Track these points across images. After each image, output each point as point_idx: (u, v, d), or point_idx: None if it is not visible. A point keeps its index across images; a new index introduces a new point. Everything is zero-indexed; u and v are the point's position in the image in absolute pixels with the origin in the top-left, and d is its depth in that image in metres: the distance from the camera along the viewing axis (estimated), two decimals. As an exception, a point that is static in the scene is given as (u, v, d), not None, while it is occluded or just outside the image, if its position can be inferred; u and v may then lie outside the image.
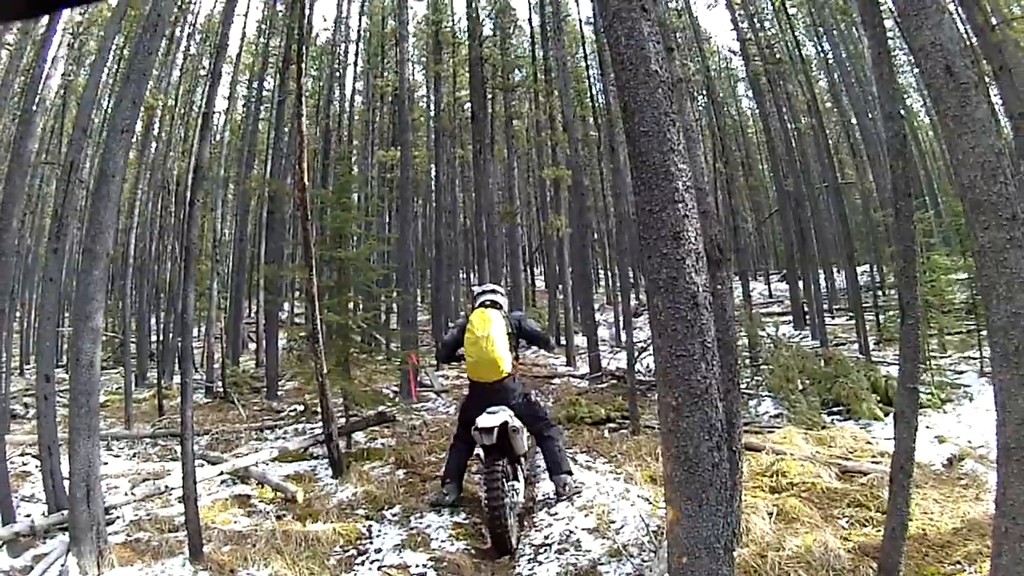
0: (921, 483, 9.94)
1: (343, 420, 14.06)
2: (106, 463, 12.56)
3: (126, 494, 11.06)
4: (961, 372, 17.01)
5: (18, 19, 1.84)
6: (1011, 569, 4.02)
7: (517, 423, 10.04)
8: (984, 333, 14.62)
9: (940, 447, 11.92)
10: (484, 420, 9.72)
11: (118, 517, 10.30)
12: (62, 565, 8.38)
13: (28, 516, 9.69)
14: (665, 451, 4.30)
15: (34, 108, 12.77)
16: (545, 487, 11.04)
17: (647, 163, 4.26)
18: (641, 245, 4.35)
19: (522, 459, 10.56)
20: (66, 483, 9.03)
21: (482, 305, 10.85)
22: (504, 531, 9.14)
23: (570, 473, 10.68)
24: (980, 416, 13.09)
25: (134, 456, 14.20)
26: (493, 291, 11.22)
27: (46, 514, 9.70)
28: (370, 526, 10.18)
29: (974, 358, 17.49)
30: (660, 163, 4.23)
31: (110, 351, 29.13)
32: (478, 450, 10.45)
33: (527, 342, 11.49)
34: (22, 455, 13.46)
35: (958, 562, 7.82)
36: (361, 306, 17.53)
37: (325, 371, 12.17)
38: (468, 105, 27.33)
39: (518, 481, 10.17)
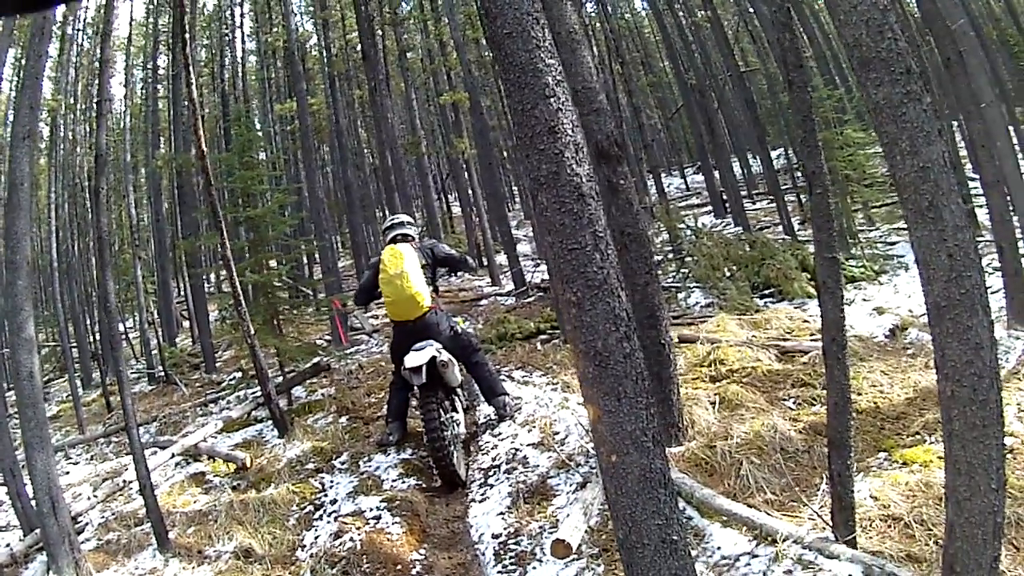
0: (865, 356, 10.06)
1: (280, 378, 14.02)
2: (67, 472, 12.56)
3: (89, 498, 11.05)
4: (893, 243, 17.26)
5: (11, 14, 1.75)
6: (965, 434, 3.90)
7: (446, 356, 9.83)
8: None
9: (880, 319, 12.03)
10: (411, 359, 9.50)
11: (87, 523, 10.25)
12: None
13: (7, 545, 9.60)
14: (575, 349, 4.23)
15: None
16: (486, 409, 11.07)
17: (514, 63, 4.17)
18: (518, 144, 4.30)
19: (458, 390, 10.50)
20: (34, 502, 8.87)
21: (392, 240, 10.67)
22: (450, 466, 9.19)
23: (506, 394, 10.68)
24: (917, 285, 12.95)
25: (91, 459, 14.05)
26: (401, 223, 11.07)
27: (22, 538, 9.64)
28: (322, 479, 10.21)
29: (903, 229, 17.34)
30: (527, 61, 4.14)
31: (54, 360, 28.82)
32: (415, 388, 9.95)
33: (447, 268, 11.38)
34: (-11, 486, 13.24)
35: (917, 433, 7.89)
36: (283, 261, 17.41)
37: (252, 332, 12.07)
38: (360, 46, 27.14)
39: (456, 412, 10.11)
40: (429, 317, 10.15)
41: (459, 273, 12.81)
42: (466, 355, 10.55)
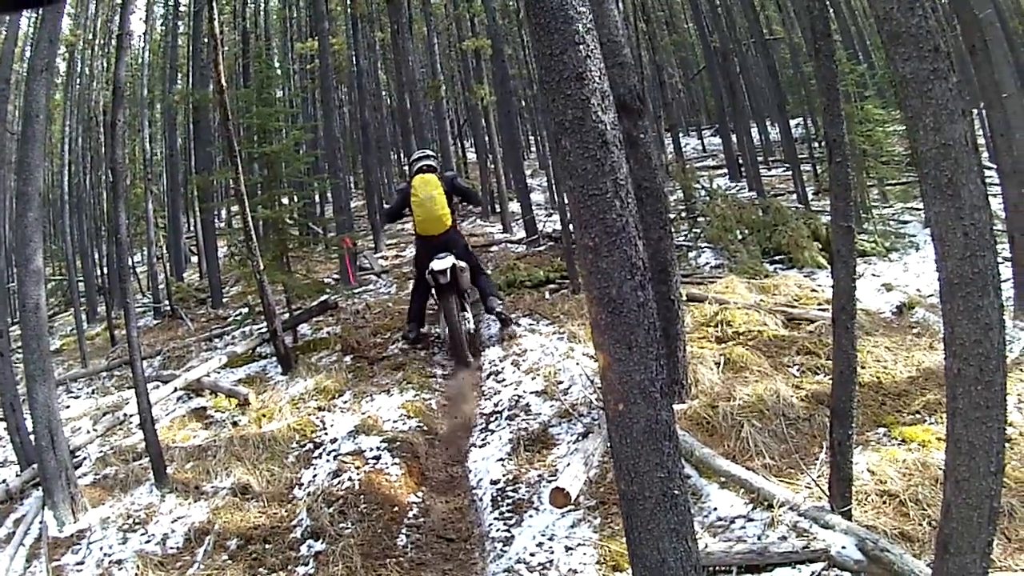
0: (871, 331, 10.04)
1: (286, 315, 14.08)
2: (68, 406, 12.48)
3: (88, 432, 11.09)
4: (905, 222, 17.18)
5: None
6: (968, 414, 3.85)
7: (462, 263, 11.99)
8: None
9: (888, 295, 12.05)
10: (437, 264, 11.62)
11: (85, 457, 10.31)
12: (40, 522, 8.43)
13: (3, 481, 9.59)
14: (588, 295, 4.21)
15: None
16: (491, 354, 11.59)
17: (544, 8, 4.11)
18: (544, 89, 4.27)
19: (466, 294, 12.55)
20: (33, 437, 8.95)
21: (420, 171, 12.41)
22: (463, 347, 11.74)
23: (499, 297, 12.91)
24: (927, 265, 13.10)
25: (93, 393, 13.95)
26: (427, 157, 12.91)
27: (19, 473, 9.65)
28: (323, 417, 10.29)
29: (917, 209, 17.49)
30: (558, 7, 4.08)
31: (60, 295, 28.82)
32: (433, 303, 12.80)
33: (461, 198, 13.15)
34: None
35: (917, 412, 7.92)
36: (296, 198, 17.43)
37: (262, 267, 12.20)
38: (384, -12, 27.06)
39: (466, 311, 12.45)
40: (450, 234, 12.23)
41: (467, 205, 15.09)
42: (472, 266, 12.56)
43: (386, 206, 15.00)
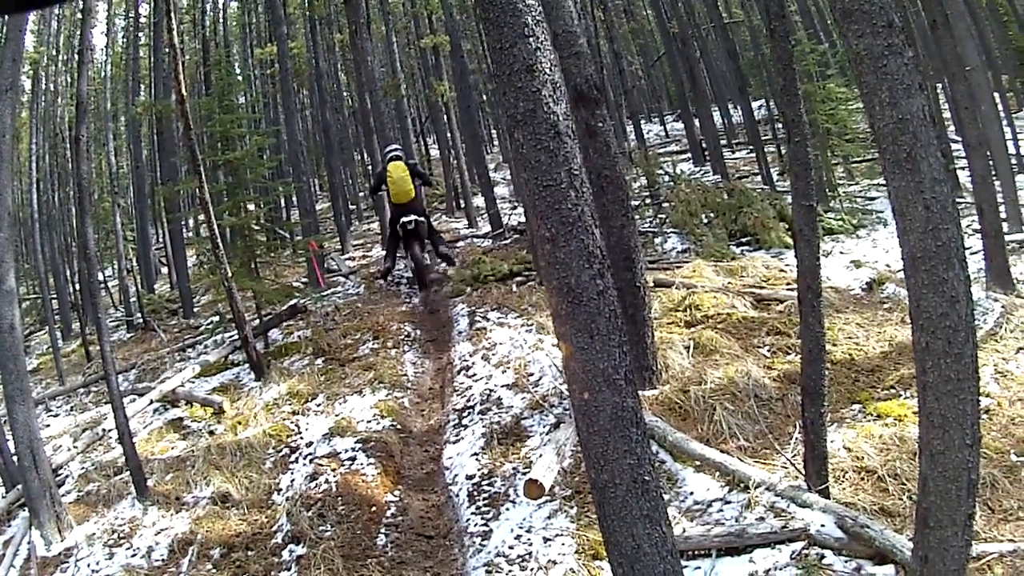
0: (841, 308, 10.08)
1: (256, 321, 14.18)
2: (47, 425, 12.51)
3: (69, 450, 11.11)
4: (872, 198, 17.21)
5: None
6: (939, 387, 3.81)
7: (422, 219, 15.90)
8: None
9: (857, 272, 12.09)
10: (408, 217, 15.59)
11: (67, 475, 10.34)
12: (28, 542, 8.48)
13: (-11, 504, 9.61)
14: (548, 285, 4.22)
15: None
16: (462, 349, 11.58)
17: (494, 3, 4.12)
18: (496, 83, 4.28)
19: (423, 241, 16.24)
20: (15, 458, 9.01)
21: (391, 159, 16.19)
22: (425, 275, 16.15)
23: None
24: (895, 241, 13.00)
25: (71, 410, 14.04)
26: (397, 149, 16.98)
27: (4, 495, 9.70)
28: (297, 421, 10.35)
29: (883, 185, 17.19)
30: (507, 1, 4.09)
31: (34, 314, 28.75)
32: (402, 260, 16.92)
33: (419, 180, 16.48)
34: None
35: (891, 387, 7.95)
36: (261, 204, 17.68)
37: (230, 274, 12.20)
38: (342, -10, 26.99)
39: (426, 253, 16.25)
40: (414, 202, 15.91)
41: (422, 185, 17.33)
42: (428, 225, 16.58)
43: (370, 186, 20.08)
